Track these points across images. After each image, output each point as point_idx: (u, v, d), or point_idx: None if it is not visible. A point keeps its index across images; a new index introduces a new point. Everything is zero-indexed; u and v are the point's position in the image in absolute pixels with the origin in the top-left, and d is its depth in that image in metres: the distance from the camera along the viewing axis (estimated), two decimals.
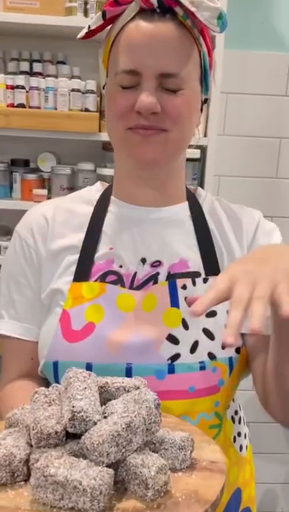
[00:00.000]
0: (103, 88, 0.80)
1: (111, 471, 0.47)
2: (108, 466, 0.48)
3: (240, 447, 0.85)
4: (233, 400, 0.83)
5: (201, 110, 0.80)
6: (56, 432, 0.52)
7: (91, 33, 0.75)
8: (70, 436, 0.53)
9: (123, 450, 0.49)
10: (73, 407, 0.51)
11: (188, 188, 0.86)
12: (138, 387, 0.59)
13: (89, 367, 0.72)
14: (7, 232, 1.78)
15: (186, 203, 0.83)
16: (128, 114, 0.72)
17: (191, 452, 0.54)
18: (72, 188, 1.68)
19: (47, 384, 0.83)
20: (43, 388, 0.58)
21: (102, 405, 0.56)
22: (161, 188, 0.80)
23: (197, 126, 0.81)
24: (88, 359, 0.72)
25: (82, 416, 0.51)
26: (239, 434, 0.85)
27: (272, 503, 2.10)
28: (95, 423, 0.51)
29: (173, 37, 0.70)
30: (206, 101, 0.80)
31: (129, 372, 0.72)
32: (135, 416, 0.50)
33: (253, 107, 1.87)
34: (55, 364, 0.74)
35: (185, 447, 0.53)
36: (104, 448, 0.47)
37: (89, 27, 0.74)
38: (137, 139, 0.73)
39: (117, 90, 0.73)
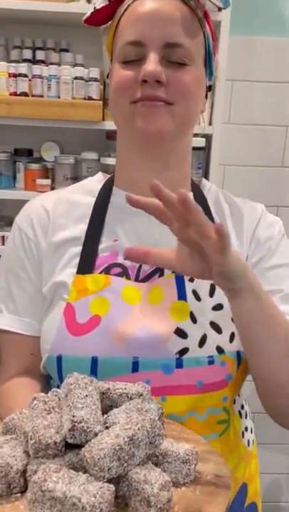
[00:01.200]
0: (107, 77, 0.78)
1: (112, 487, 0.45)
2: (109, 480, 0.47)
3: (248, 442, 0.84)
4: (239, 395, 0.82)
5: (206, 97, 0.79)
6: (55, 443, 0.50)
7: (96, 15, 0.74)
8: (70, 445, 0.51)
9: (125, 465, 0.47)
10: (73, 416, 0.50)
11: (193, 179, 0.84)
12: (141, 394, 0.57)
13: (94, 360, 0.71)
14: (11, 222, 1.75)
15: (191, 193, 0.81)
16: (132, 87, 0.71)
17: (195, 466, 0.52)
18: (75, 178, 1.66)
19: (47, 381, 0.82)
20: (42, 394, 0.56)
21: (103, 413, 0.54)
22: (165, 173, 0.78)
23: (202, 113, 0.79)
24: (94, 353, 0.71)
25: (82, 427, 0.49)
26: (246, 429, 0.84)
27: (277, 493, 2.11)
28: (96, 434, 0.49)
29: (178, 12, 0.70)
30: (210, 88, 0.79)
31: (135, 367, 0.70)
32: (138, 429, 0.48)
33: (259, 94, 1.83)
34: (59, 358, 0.73)
35: (189, 461, 0.51)
36: (106, 462, 0.46)
37: (94, 8, 0.74)
38: (143, 111, 0.71)
39: (121, 65, 0.72)
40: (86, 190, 0.83)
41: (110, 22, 0.76)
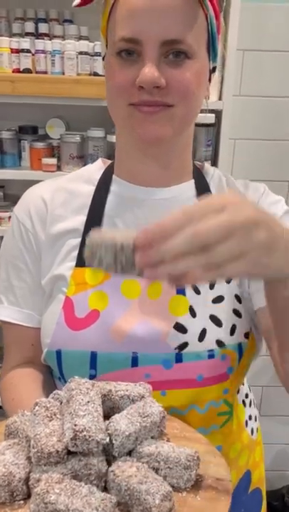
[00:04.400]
0: (103, 59, 0.74)
1: (113, 498, 0.46)
2: (110, 490, 0.47)
3: (252, 431, 0.84)
4: (243, 383, 0.82)
5: (210, 80, 0.75)
6: (57, 451, 0.50)
7: None
8: (72, 451, 0.52)
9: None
10: (75, 425, 0.50)
11: (196, 164, 0.81)
12: (143, 396, 0.57)
13: (93, 355, 0.71)
14: (17, 202, 1.74)
15: (192, 181, 0.79)
16: (129, 90, 0.67)
17: (196, 471, 0.52)
18: (82, 157, 1.63)
19: (50, 371, 0.82)
20: (44, 400, 0.56)
21: (105, 416, 0.55)
22: (166, 166, 0.76)
23: (206, 98, 0.75)
24: (93, 348, 0.71)
25: (84, 436, 0.49)
26: (250, 417, 0.85)
27: (282, 463, 2.16)
28: (98, 442, 0.50)
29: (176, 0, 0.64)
30: (214, 69, 0.75)
31: (135, 362, 0.70)
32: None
33: (272, 64, 1.77)
34: (59, 353, 0.73)
35: (190, 467, 0.51)
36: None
37: None
38: (140, 116, 0.68)
39: (117, 62, 0.67)
40: (84, 179, 0.81)
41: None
